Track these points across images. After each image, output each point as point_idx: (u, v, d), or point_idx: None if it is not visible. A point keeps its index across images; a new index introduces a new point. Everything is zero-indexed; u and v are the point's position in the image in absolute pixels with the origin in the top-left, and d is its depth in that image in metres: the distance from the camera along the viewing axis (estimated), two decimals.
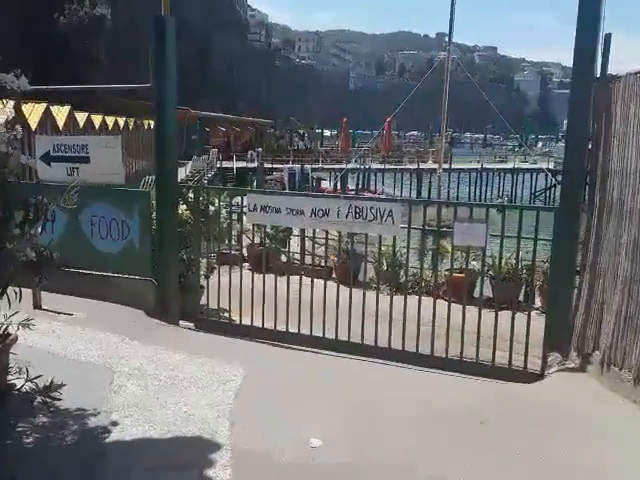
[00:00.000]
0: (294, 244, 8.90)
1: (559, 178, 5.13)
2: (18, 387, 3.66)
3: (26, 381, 3.60)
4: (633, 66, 4.48)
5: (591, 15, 4.67)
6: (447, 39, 17.28)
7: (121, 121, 29.13)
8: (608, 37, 4.65)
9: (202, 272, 6.51)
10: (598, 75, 4.72)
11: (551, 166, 39.29)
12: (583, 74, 4.77)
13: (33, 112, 18.46)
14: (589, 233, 4.92)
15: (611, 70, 4.72)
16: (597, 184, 4.81)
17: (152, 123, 6.39)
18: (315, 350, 5.55)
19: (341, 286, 5.78)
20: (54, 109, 20.75)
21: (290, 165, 40.18)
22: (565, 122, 5.08)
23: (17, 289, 3.63)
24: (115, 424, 3.64)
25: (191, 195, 6.57)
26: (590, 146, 4.88)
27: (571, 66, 4.87)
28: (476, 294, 6.46)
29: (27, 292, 4.72)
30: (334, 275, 7.92)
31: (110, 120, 27.63)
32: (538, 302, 7.18)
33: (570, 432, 3.89)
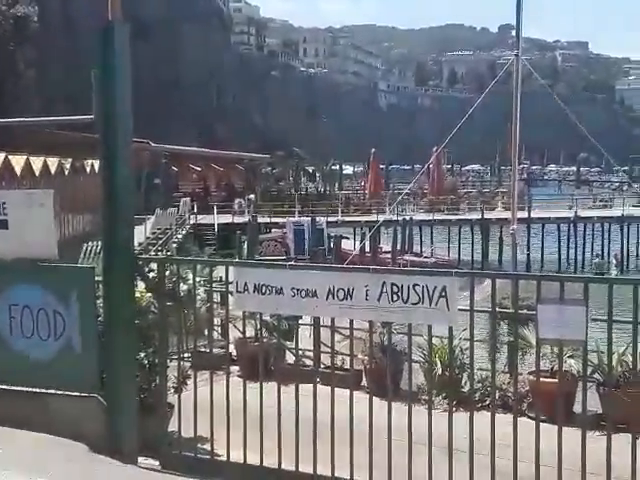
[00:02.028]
0: (305, 337, 8.87)
1: None
2: None
3: None
4: None
5: None
6: (514, 33, 17.39)
7: (53, 163, 29.36)
8: None
9: (171, 383, 6.49)
10: None
11: None
12: None
13: None
14: None
15: None
16: None
17: (97, 164, 6.49)
18: None
19: (375, 399, 5.74)
20: None
21: (296, 218, 40.50)
22: None
23: None
24: None
25: (154, 269, 6.62)
26: None
27: None
28: (577, 408, 6.37)
29: None
30: (364, 383, 7.86)
31: (38, 162, 27.86)
32: None
33: None
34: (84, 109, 6.59)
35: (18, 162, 26.26)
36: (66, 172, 30.18)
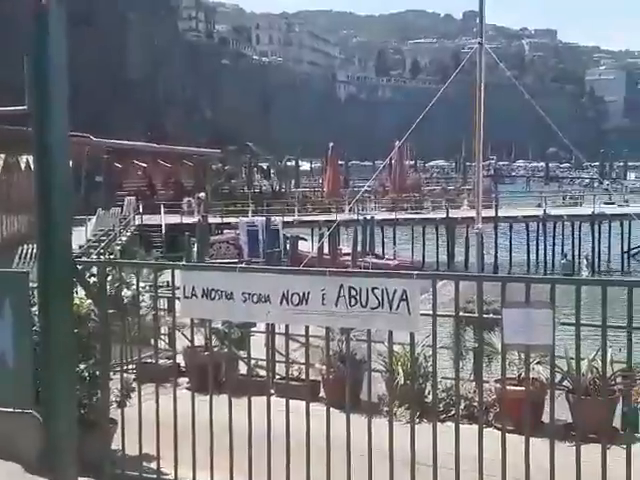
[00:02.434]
0: (258, 346, 8.87)
1: None
2: None
3: None
4: None
5: None
6: (478, 20, 17.53)
7: None
8: None
9: (114, 397, 6.44)
10: None
11: None
12: None
13: None
14: None
15: None
16: None
17: (32, 161, 6.40)
18: None
19: (333, 410, 5.75)
20: None
21: (250, 218, 40.43)
22: None
23: None
24: None
25: (95, 273, 6.56)
26: None
27: None
28: (545, 418, 6.46)
29: None
30: (322, 394, 7.88)
31: None
32: None
33: None
34: (19, 100, 6.48)
35: None
36: None
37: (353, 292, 5.34)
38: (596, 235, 44.99)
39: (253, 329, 8.66)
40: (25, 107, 6.11)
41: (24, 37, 6.20)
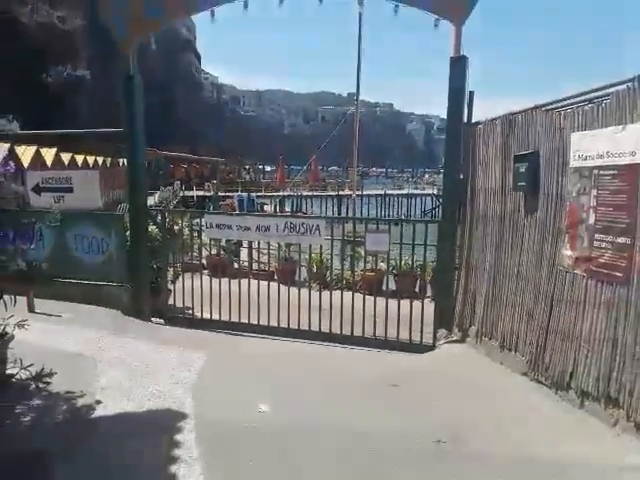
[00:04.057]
0: (244, 254, 8.79)
1: (441, 200, 5.30)
2: (15, 375, 3.41)
3: (20, 369, 3.37)
4: (490, 112, 4.74)
5: (459, 79, 4.88)
6: (355, 98, 17.58)
7: (100, 159, 27.90)
8: (472, 94, 4.88)
9: (169, 278, 6.32)
10: (465, 121, 4.95)
11: (435, 191, 40.71)
12: (454, 121, 4.97)
13: (25, 153, 17.54)
14: (463, 239, 5.12)
15: (475, 118, 4.96)
16: (467, 202, 5.03)
17: (125, 161, 6.15)
18: (262, 336, 5.48)
19: (281, 285, 5.77)
20: (43, 151, 19.76)
21: (239, 194, 39.65)
22: (443, 157, 5.27)
23: (12, 296, 3.40)
24: (99, 402, 3.45)
25: (159, 217, 6.37)
26: (461, 175, 5.09)
27: (446, 115, 5.06)
28: (384, 288, 6.58)
29: (22, 299, 4.43)
30: (276, 277, 7.88)
31: (90, 159, 26.39)
32: (429, 292, 7.39)
33: (454, 383, 4.02)
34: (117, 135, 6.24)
35: (79, 158, 24.42)
36: (107, 165, 28.44)
37: (292, 225, 5.33)
38: (410, 204, 45.71)
39: (242, 246, 8.60)
40: (121, 129, 5.85)
41: (118, 94, 5.91)
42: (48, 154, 20.58)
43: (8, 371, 3.48)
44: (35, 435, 3.01)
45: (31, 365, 3.43)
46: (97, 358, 4.31)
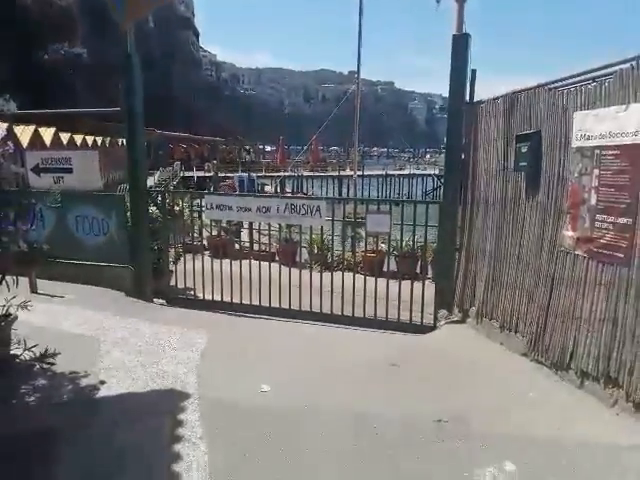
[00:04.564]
0: (244, 235, 8.79)
1: (442, 180, 5.29)
2: (19, 356, 3.45)
3: (24, 350, 3.40)
4: (491, 93, 4.68)
5: (461, 57, 4.82)
6: (356, 75, 17.29)
7: (99, 139, 27.69)
8: (474, 72, 4.81)
9: (170, 259, 6.33)
10: (467, 100, 4.90)
11: (437, 172, 40.46)
12: (456, 100, 4.92)
13: (24, 133, 17.39)
14: (464, 220, 5.12)
15: (477, 97, 4.90)
16: (469, 183, 5.01)
17: (124, 141, 6.10)
18: (263, 316, 5.52)
19: (282, 266, 5.78)
20: (42, 130, 19.59)
21: (239, 174, 39.43)
22: (445, 138, 5.22)
23: (15, 277, 3.42)
24: (103, 383, 3.50)
25: (159, 198, 6.35)
26: (463, 155, 5.06)
27: (448, 94, 5.00)
28: (385, 269, 6.59)
29: (24, 280, 4.45)
30: (277, 258, 7.90)
31: (89, 139, 26.18)
32: (430, 273, 7.41)
33: (454, 364, 4.07)
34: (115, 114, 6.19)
35: (78, 138, 24.28)
36: (106, 145, 28.26)
37: (292, 206, 5.32)
38: (411, 184, 45.44)
39: (242, 226, 8.59)
40: (119, 108, 5.79)
41: (117, 73, 5.85)
42: (47, 134, 20.45)
43: (12, 352, 3.52)
44: (39, 415, 3.05)
45: (35, 346, 3.47)
46: (100, 339, 4.35)
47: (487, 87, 4.60)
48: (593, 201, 3.43)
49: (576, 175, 3.59)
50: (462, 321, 5.07)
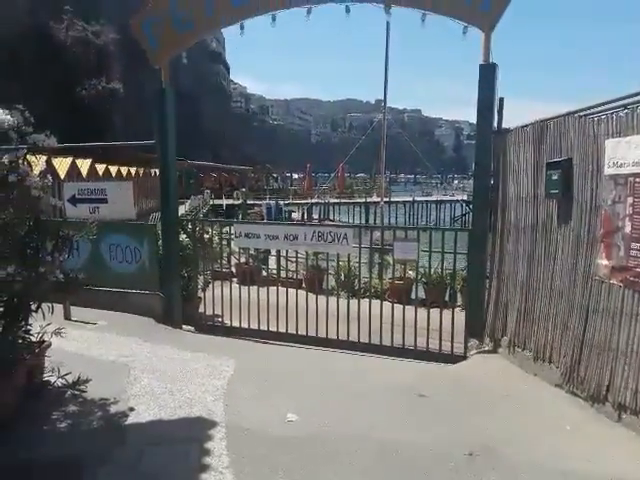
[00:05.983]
0: (272, 262, 8.85)
1: (471, 206, 5.28)
2: (52, 383, 3.53)
3: (58, 377, 3.48)
4: (519, 121, 4.67)
5: (488, 87, 4.84)
6: (383, 104, 17.49)
7: (133, 170, 28.69)
8: (502, 101, 4.82)
9: (200, 286, 6.42)
10: (495, 128, 4.89)
11: (465, 197, 40.05)
12: (484, 128, 4.93)
13: (62, 164, 18.21)
14: (494, 248, 5.04)
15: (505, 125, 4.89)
16: (499, 210, 4.96)
17: (157, 171, 6.31)
18: (291, 344, 5.51)
19: (309, 293, 5.78)
20: (78, 162, 20.49)
21: (267, 201, 40.03)
22: (473, 164, 5.20)
23: (50, 305, 3.53)
24: (132, 409, 3.53)
25: (190, 226, 6.51)
26: (492, 181, 5.03)
27: (476, 122, 5.01)
28: (413, 296, 6.52)
29: (58, 307, 4.58)
30: (304, 285, 7.90)
31: (124, 169, 27.19)
32: (459, 301, 7.28)
33: (486, 394, 3.95)
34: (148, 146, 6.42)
35: (113, 169, 25.19)
36: (140, 175, 29.20)
37: (320, 234, 5.36)
38: (439, 210, 45.17)
39: (270, 254, 8.66)
40: (154, 141, 6.00)
41: (151, 106, 6.11)
42: (84, 165, 21.31)
43: (45, 378, 3.61)
44: (70, 440, 3.10)
45: (68, 374, 3.54)
46: (130, 365, 4.41)
47: (513, 110, 4.59)
48: (628, 229, 3.34)
49: (609, 203, 3.52)
50: (494, 351, 4.94)
